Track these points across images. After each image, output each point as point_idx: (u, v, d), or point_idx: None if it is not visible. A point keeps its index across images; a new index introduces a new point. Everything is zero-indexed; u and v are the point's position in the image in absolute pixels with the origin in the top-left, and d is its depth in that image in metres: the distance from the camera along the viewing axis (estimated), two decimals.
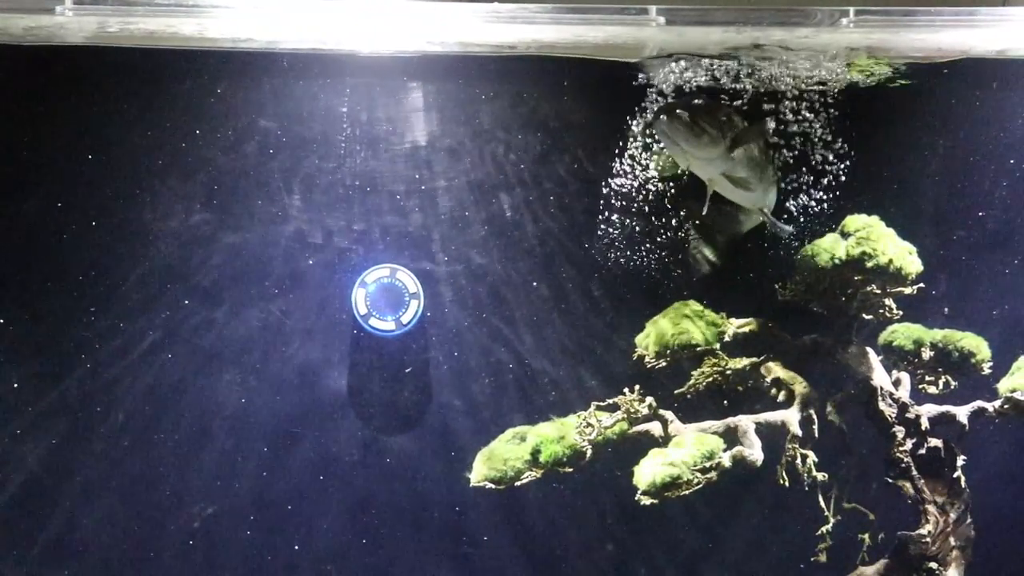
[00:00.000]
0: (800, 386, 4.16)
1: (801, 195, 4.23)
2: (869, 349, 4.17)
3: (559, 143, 4.32)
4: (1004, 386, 4.10)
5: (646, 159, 4.24)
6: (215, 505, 4.21)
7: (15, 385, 4.13)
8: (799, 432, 4.08)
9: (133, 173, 4.14)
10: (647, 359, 4.15)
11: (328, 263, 4.26)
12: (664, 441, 4.07)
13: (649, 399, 4.06)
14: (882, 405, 4.10)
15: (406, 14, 3.82)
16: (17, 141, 4.09)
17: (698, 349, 4.13)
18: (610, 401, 4.07)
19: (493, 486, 3.96)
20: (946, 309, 4.35)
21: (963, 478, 4.06)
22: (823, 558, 4.11)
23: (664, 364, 4.15)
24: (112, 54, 3.92)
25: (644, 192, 4.28)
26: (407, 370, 4.22)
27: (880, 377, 4.15)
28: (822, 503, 4.10)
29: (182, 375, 4.21)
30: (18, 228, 4.11)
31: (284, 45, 3.99)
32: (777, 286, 4.18)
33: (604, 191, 4.34)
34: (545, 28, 3.91)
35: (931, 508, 4.05)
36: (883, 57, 4.07)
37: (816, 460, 4.06)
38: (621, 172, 4.30)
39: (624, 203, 4.31)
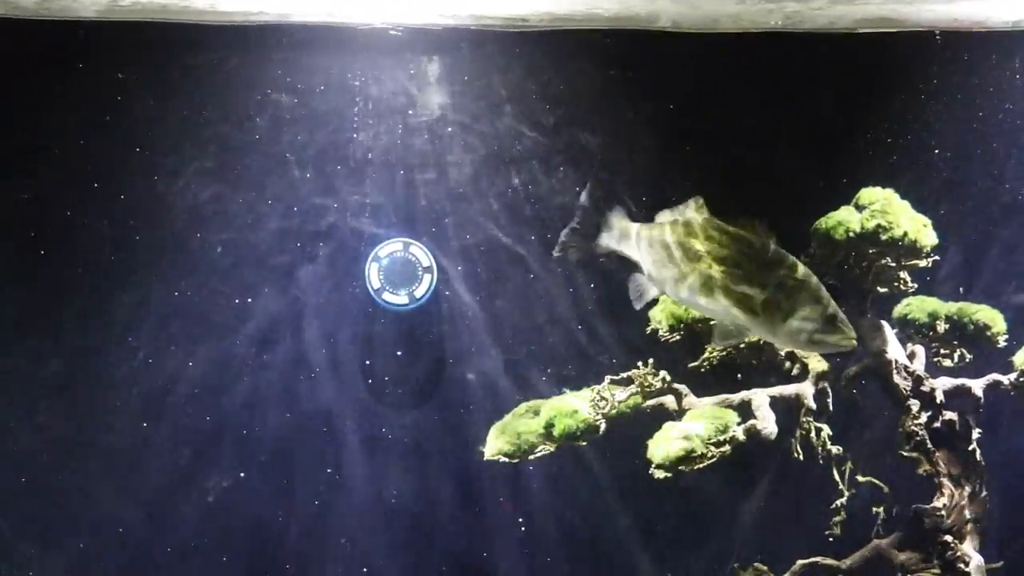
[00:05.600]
0: (814, 359, 4.08)
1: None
2: (884, 322, 4.09)
3: (572, 116, 4.26)
4: (1020, 359, 4.03)
5: None
6: (230, 479, 4.17)
7: (25, 360, 4.09)
8: (813, 405, 4.02)
9: (145, 147, 4.08)
10: (661, 332, 4.08)
11: (341, 237, 4.21)
12: (678, 415, 4.01)
13: (663, 373, 3.99)
14: (897, 378, 4.00)
15: None
16: (29, 115, 4.02)
17: (712, 322, 3.96)
18: (624, 375, 4.00)
19: (507, 459, 3.92)
20: (961, 289, 4.28)
21: (978, 451, 3.98)
22: (837, 531, 4.06)
23: (678, 337, 4.07)
24: (124, 28, 3.85)
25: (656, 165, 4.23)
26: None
27: (895, 350, 4.05)
28: (836, 476, 4.05)
29: (193, 349, 4.16)
30: (29, 201, 4.05)
31: (295, 18, 3.93)
32: None
33: (617, 164, 4.27)
34: (558, 0, 3.85)
35: (946, 481, 3.97)
36: (897, 27, 4.01)
37: (830, 433, 4.02)
38: (635, 145, 4.24)
39: (637, 175, 4.24)
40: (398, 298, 4.17)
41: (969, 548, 3.97)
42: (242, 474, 4.21)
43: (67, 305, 4.12)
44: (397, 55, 4.16)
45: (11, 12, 3.71)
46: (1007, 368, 4.04)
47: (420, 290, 4.18)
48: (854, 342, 3.41)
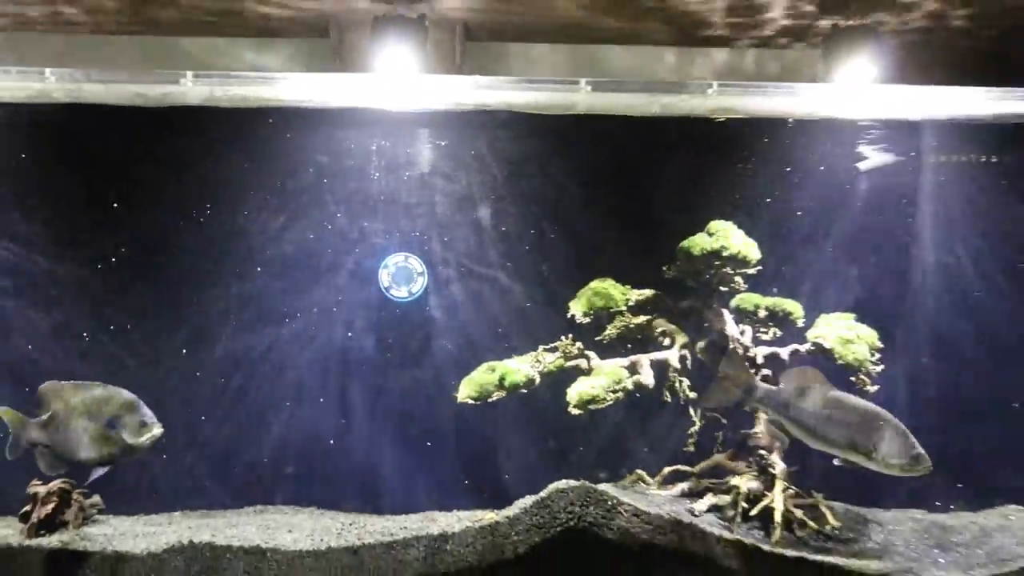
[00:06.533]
0: (679, 335, 5.15)
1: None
2: (724, 310, 5.17)
3: (520, 169, 5.34)
4: (811, 335, 5.12)
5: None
6: (291, 409, 5.27)
7: (166, 351, 5.20)
8: (678, 366, 5.07)
9: (232, 190, 5.18)
10: (577, 318, 5.13)
11: (362, 252, 5.26)
12: (588, 372, 5.04)
13: (578, 343, 5.06)
14: (733, 347, 5.00)
15: (420, 83, 4.90)
16: (160, 172, 5.14)
17: (611, 310, 5.12)
18: (552, 345, 5.06)
19: (472, 401, 4.96)
20: (775, 289, 5.19)
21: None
22: (692, 448, 5.10)
23: (588, 320, 5.11)
24: (220, 111, 4.97)
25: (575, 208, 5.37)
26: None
27: (732, 329, 5.13)
28: (692, 413, 5.05)
29: (265, 325, 5.20)
30: (157, 233, 5.17)
31: (333, 104, 5.04)
32: (664, 268, 5.14)
33: (548, 205, 5.31)
34: (509, 93, 4.98)
35: (763, 416, 4.98)
36: (738, 115, 5.15)
37: (689, 384, 5.03)
38: (557, 191, 5.32)
39: (562, 214, 5.31)
40: (400, 293, 5.22)
41: (776, 459, 4.97)
42: (299, 406, 5.28)
43: (179, 295, 5.19)
44: (401, 129, 5.24)
45: (145, 102, 4.92)
46: (803, 340, 5.09)
47: (416, 288, 5.23)
48: (931, 468, 4.25)
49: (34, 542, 4.59)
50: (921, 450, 4.26)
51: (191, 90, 4.80)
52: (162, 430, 4.65)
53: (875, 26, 5.29)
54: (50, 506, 4.79)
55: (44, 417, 4.69)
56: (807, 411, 4.46)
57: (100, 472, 4.63)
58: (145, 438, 4.61)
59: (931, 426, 4.62)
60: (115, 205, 5.19)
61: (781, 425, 4.56)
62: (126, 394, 4.67)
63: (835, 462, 4.42)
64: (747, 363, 4.98)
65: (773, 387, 4.58)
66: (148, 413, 4.64)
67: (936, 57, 5.53)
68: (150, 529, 4.93)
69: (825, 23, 5.33)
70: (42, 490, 4.81)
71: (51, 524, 4.77)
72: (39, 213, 5.14)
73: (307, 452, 5.39)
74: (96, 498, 5.02)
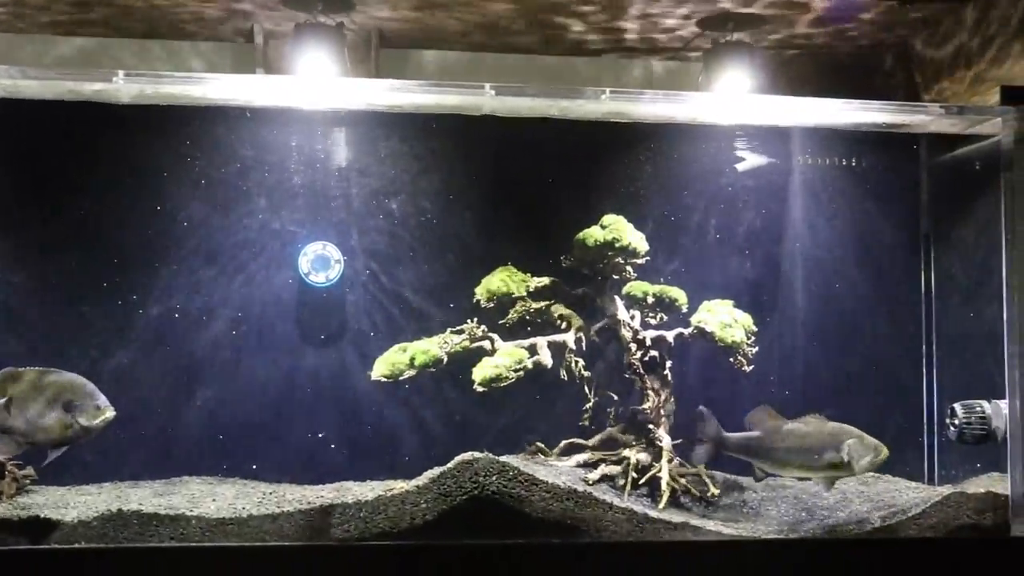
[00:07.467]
0: (575, 319, 5.40)
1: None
2: (616, 296, 5.37)
3: (429, 165, 5.62)
4: (694, 319, 5.36)
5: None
6: (220, 390, 5.58)
7: (97, 335, 5.48)
8: (574, 347, 5.25)
9: (161, 184, 5.43)
10: (482, 302, 5.41)
11: (283, 240, 5.51)
12: (491, 353, 5.37)
13: (483, 326, 5.36)
14: (623, 331, 5.31)
15: (337, 85, 5.34)
16: (90, 166, 5.39)
17: (513, 296, 5.42)
18: (459, 327, 5.38)
19: (385, 379, 5.26)
20: (661, 279, 5.61)
21: (669, 375, 5.25)
22: (587, 423, 5.31)
23: (492, 305, 5.40)
24: (148, 109, 5.21)
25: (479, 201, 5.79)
26: None
27: (623, 314, 5.36)
28: (586, 390, 5.31)
29: (194, 311, 5.53)
30: (95, 218, 5.41)
31: (256, 103, 5.38)
32: (562, 257, 5.52)
33: (453, 198, 5.72)
34: (420, 96, 5.32)
35: (651, 393, 5.30)
36: (624, 119, 5.59)
37: (584, 364, 5.26)
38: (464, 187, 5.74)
39: (464, 206, 5.74)
40: (319, 279, 5.53)
41: (663, 433, 5.27)
42: (227, 382, 5.59)
43: (120, 277, 5.44)
44: (321, 127, 5.53)
45: (76, 97, 5.14)
46: (687, 324, 5.33)
47: (332, 274, 5.51)
48: (886, 453, 4.70)
49: None
50: (877, 441, 4.73)
51: (122, 88, 5.06)
52: (115, 413, 4.91)
53: (750, 43, 5.78)
54: None
55: (1, 402, 4.90)
56: (772, 448, 4.91)
57: (57, 454, 4.90)
58: (99, 421, 4.88)
59: (799, 402, 5.11)
60: (48, 197, 5.49)
61: (761, 468, 5.02)
62: (82, 380, 4.94)
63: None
64: (636, 344, 5.39)
65: (740, 435, 5.04)
66: (102, 398, 4.91)
67: (803, 71, 6.04)
68: (81, 499, 5.19)
69: (706, 40, 5.79)
70: None
71: None
72: None
73: (230, 426, 5.70)
74: (29, 469, 5.27)
